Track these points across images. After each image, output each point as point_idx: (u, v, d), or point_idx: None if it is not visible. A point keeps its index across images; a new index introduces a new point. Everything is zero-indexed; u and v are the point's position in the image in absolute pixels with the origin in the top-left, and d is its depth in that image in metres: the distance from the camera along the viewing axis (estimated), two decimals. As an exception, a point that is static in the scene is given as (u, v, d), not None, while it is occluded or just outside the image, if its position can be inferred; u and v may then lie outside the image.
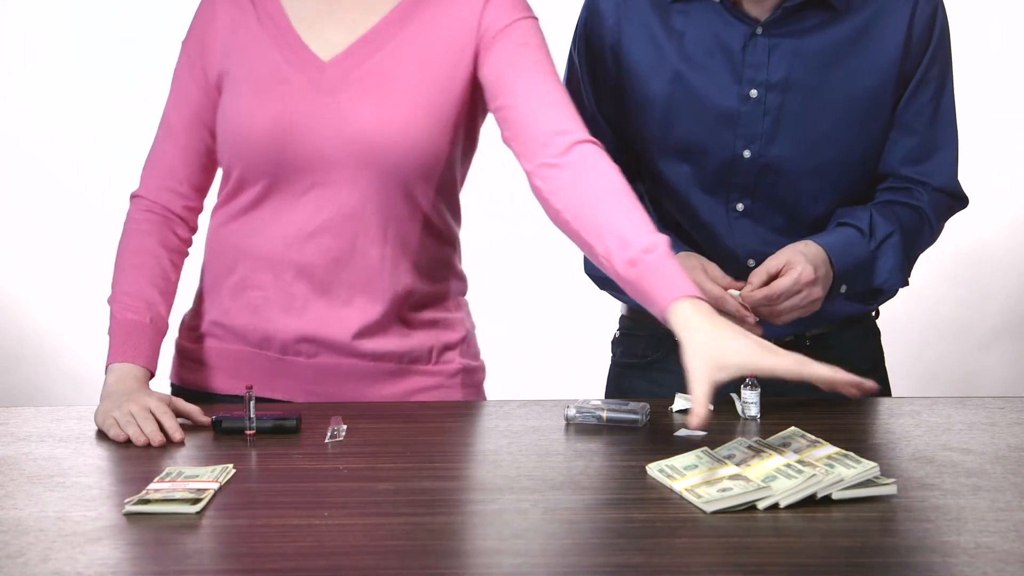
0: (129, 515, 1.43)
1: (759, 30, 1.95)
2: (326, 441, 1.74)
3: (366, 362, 1.96)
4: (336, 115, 1.90)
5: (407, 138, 1.89)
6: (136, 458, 1.67)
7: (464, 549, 1.34)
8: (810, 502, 1.46)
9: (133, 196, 2.03)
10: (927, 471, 1.59)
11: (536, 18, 1.94)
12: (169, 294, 1.99)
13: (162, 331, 1.96)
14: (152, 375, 1.92)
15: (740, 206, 2.00)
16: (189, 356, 2.04)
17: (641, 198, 1.97)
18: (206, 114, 1.98)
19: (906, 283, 2.03)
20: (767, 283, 1.87)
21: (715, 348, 1.58)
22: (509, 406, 1.92)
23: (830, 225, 1.99)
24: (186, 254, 2.04)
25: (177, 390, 2.04)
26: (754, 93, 1.95)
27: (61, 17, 3.83)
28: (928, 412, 1.89)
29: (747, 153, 1.97)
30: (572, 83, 2.07)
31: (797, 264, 1.87)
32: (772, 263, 1.88)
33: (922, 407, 1.92)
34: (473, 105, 1.95)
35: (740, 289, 1.89)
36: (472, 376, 2.04)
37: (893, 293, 2.05)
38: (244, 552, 1.34)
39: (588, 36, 2.05)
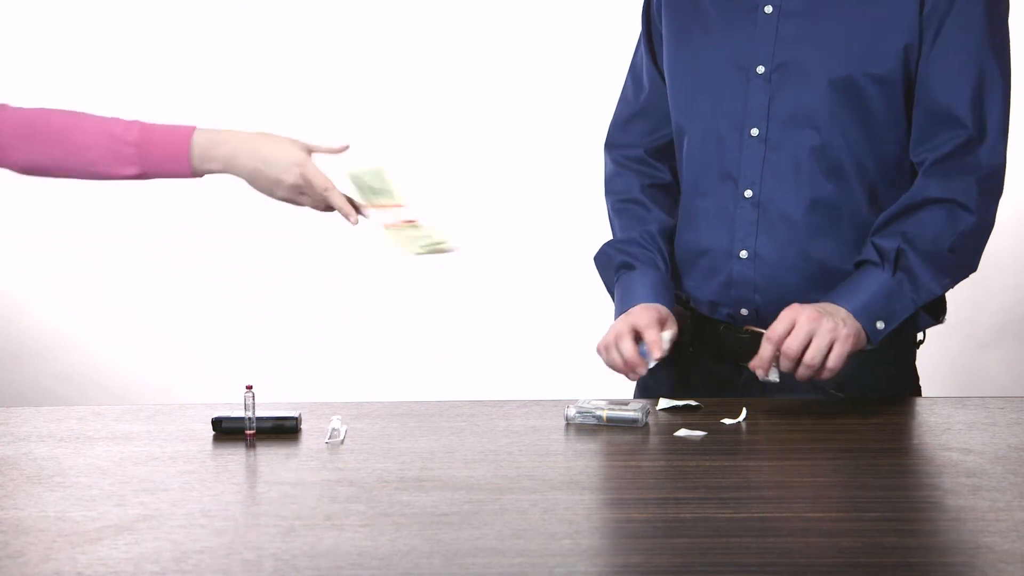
0: None
1: None
2: (326, 441, 1.74)
3: None
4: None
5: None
6: (134, 461, 1.67)
7: (464, 549, 1.34)
8: (810, 501, 1.46)
9: None
10: (927, 471, 1.59)
11: None
12: None
13: None
14: None
15: (755, 131, 2.00)
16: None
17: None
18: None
19: (969, 272, 2.02)
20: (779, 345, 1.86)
21: None
22: (509, 406, 1.92)
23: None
24: None
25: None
26: (768, 9, 1.99)
27: (61, 16, 3.83)
28: (928, 412, 1.89)
29: (760, 68, 1.99)
30: (644, 46, 2.18)
31: (786, 314, 1.87)
32: (771, 329, 1.87)
33: (922, 407, 1.92)
34: None
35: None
36: None
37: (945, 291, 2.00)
38: (244, 553, 1.34)
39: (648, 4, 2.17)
